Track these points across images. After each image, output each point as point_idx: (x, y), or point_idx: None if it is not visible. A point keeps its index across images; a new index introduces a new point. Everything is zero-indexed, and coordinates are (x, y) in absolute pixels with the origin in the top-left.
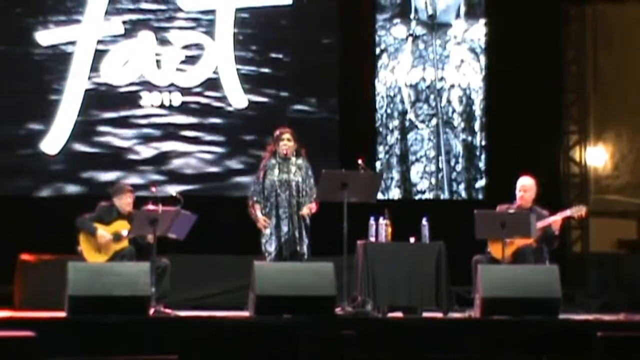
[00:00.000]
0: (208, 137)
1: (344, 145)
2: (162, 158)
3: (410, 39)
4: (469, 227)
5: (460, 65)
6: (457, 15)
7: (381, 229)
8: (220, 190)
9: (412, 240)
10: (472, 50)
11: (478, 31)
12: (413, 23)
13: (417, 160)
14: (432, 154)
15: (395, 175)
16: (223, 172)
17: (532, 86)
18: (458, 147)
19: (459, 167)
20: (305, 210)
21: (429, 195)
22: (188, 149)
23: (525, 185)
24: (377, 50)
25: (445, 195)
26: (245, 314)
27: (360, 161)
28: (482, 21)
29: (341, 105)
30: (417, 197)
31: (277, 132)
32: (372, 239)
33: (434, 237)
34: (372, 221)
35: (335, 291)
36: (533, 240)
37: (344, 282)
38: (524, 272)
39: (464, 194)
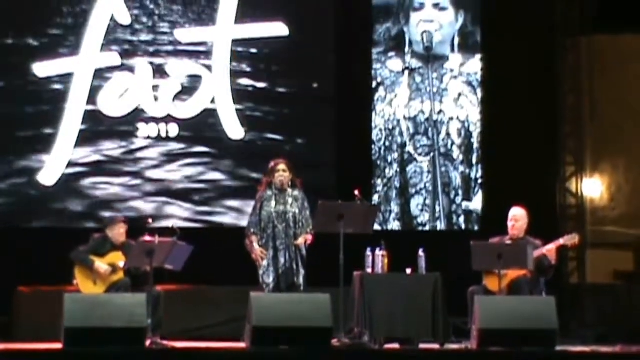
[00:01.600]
0: (204, 168)
1: (341, 177)
2: (158, 189)
3: (406, 72)
4: (465, 258)
5: (458, 98)
6: (452, 49)
7: (378, 260)
8: (216, 221)
9: (408, 271)
10: (469, 83)
11: (474, 64)
12: (408, 56)
13: (417, 192)
14: (431, 186)
15: (395, 207)
16: (219, 203)
17: (528, 118)
18: (457, 180)
19: (458, 199)
20: (300, 240)
21: (428, 228)
22: (184, 180)
23: (517, 216)
24: (374, 84)
25: (442, 226)
26: (241, 345)
27: (356, 192)
28: (478, 55)
29: (338, 139)
30: (416, 229)
31: (272, 164)
32: (369, 270)
33: (431, 268)
34: (368, 252)
35: (332, 322)
36: (528, 271)
37: (340, 314)
38: (521, 303)
39: (463, 227)
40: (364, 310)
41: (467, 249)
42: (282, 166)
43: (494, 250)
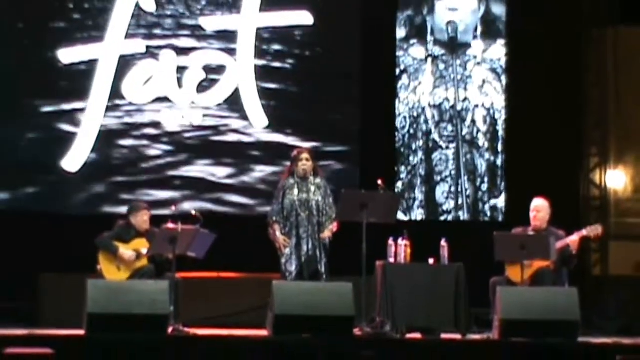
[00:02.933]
0: (228, 156)
1: (364, 166)
2: (181, 176)
3: (429, 59)
4: (488, 249)
5: (483, 85)
6: (475, 36)
7: (400, 249)
8: (239, 209)
9: (431, 261)
10: (493, 70)
11: (497, 50)
12: (431, 44)
13: (442, 180)
14: (456, 174)
15: (419, 195)
16: (242, 191)
17: (553, 107)
18: (483, 167)
19: (484, 187)
20: (326, 233)
21: (454, 216)
22: (208, 168)
23: (538, 206)
24: (397, 71)
25: (466, 216)
26: (264, 333)
27: (380, 182)
28: (501, 41)
29: (362, 127)
30: (441, 218)
31: (295, 152)
32: (391, 260)
33: (454, 259)
34: (391, 242)
35: (354, 312)
36: (551, 263)
37: (362, 303)
38: (543, 294)
39: (489, 214)
40: (386, 300)
41: (490, 239)
42: (304, 155)
43: (517, 241)
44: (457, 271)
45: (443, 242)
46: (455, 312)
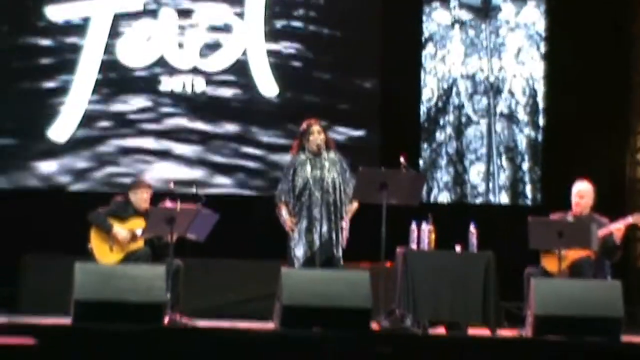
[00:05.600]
0: (232, 128)
1: (384, 142)
2: (181, 150)
3: (457, 25)
4: (522, 236)
5: (518, 53)
6: None
7: (424, 235)
8: (245, 187)
9: (458, 248)
10: (530, 36)
11: (530, 13)
12: (455, 7)
13: (477, 159)
14: (492, 152)
15: (445, 176)
16: (247, 168)
17: (597, 80)
18: (523, 144)
19: (524, 166)
20: (345, 223)
21: (485, 199)
22: (210, 141)
23: (582, 191)
24: (422, 39)
25: (500, 199)
26: (270, 325)
27: (402, 159)
28: (531, 2)
29: (382, 99)
30: (472, 201)
31: (305, 125)
32: (414, 246)
33: (483, 246)
34: (413, 226)
35: (371, 303)
36: (592, 252)
37: (380, 293)
38: (582, 287)
39: (529, 197)
40: (407, 291)
41: (524, 225)
42: (316, 127)
43: (554, 228)
44: (487, 260)
45: (472, 228)
46: (484, 305)
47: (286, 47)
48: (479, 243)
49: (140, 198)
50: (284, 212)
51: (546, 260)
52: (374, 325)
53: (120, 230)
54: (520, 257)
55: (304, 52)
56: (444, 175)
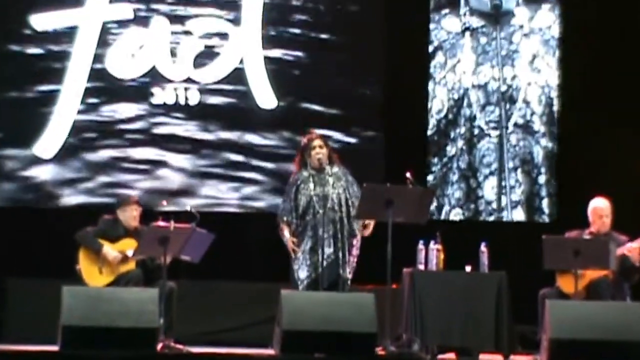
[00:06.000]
0: (230, 142)
1: (390, 157)
2: (174, 164)
3: (467, 33)
4: (537, 255)
5: (533, 60)
6: (517, 1)
7: (432, 254)
8: (243, 205)
9: (468, 269)
10: (545, 42)
11: (545, 17)
12: (466, 14)
13: (490, 173)
14: (508, 165)
15: (456, 192)
16: (247, 184)
17: (617, 87)
18: (539, 155)
19: (541, 179)
20: (357, 241)
21: (497, 216)
22: (204, 155)
23: (601, 209)
24: (430, 48)
25: (514, 216)
26: (269, 352)
27: (408, 174)
28: (545, 5)
29: (388, 110)
30: (483, 218)
31: (305, 140)
32: (421, 267)
33: (495, 266)
34: (421, 245)
35: (377, 327)
36: (610, 272)
37: (386, 317)
38: (601, 309)
39: (546, 212)
40: (415, 314)
41: (539, 243)
42: (317, 142)
43: (570, 246)
44: (499, 281)
45: (483, 247)
46: (497, 329)
47: (284, 53)
48: (491, 263)
49: (130, 216)
50: (286, 233)
51: (562, 281)
52: (380, 351)
53: (110, 250)
54: (534, 277)
55: (303, 59)
56: (455, 192)
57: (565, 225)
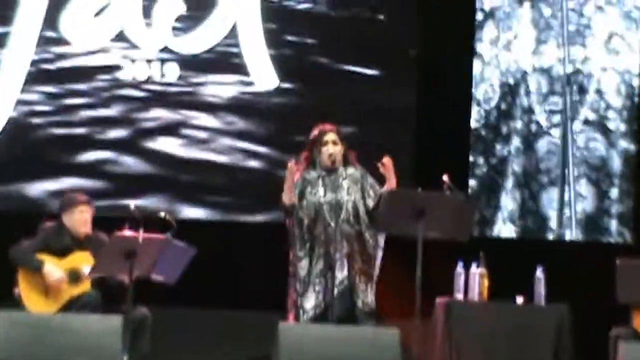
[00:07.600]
0: (217, 131)
1: (421, 156)
2: (147, 159)
3: (527, 1)
4: (608, 284)
5: (609, 39)
6: None
7: (473, 281)
8: (231, 213)
9: (519, 300)
10: (626, 15)
11: None
12: None
13: (551, 182)
14: (573, 172)
15: (509, 202)
16: (237, 185)
17: None
18: (616, 161)
19: (614, 192)
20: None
21: (558, 234)
22: (186, 148)
23: None
24: (480, 16)
25: (580, 235)
26: None
27: (445, 178)
28: None
29: (420, 98)
30: (542, 237)
31: (316, 132)
32: (459, 296)
33: (555, 297)
34: (459, 269)
35: None
36: None
37: (414, 358)
38: None
39: (621, 231)
40: (450, 354)
41: (611, 269)
42: (331, 135)
43: None
44: (560, 316)
45: (539, 273)
46: None
47: (288, 29)
48: (549, 293)
49: (78, 220)
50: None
51: (638, 319)
52: None
53: (52, 270)
54: (604, 313)
55: (312, 33)
56: (506, 202)
57: None
